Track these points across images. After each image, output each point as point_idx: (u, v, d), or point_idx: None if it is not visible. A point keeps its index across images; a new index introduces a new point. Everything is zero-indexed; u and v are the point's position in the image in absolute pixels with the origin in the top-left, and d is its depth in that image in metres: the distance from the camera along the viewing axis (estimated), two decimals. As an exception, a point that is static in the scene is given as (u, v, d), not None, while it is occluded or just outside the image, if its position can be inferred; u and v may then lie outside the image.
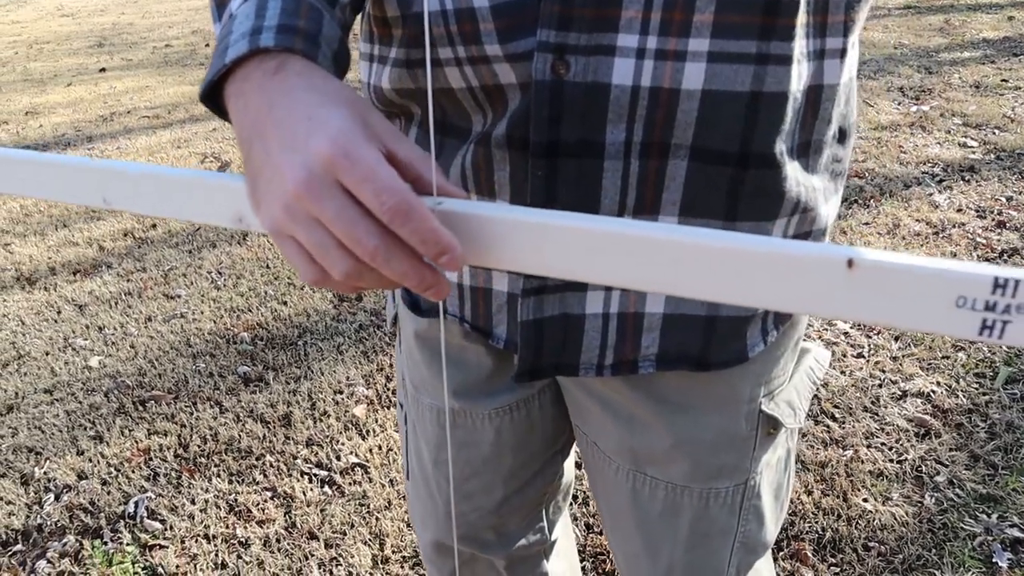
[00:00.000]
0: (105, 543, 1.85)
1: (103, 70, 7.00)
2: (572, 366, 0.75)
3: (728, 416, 0.77)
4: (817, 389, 0.80)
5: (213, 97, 0.53)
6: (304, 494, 1.94)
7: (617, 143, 0.62)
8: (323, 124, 0.44)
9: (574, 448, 1.02)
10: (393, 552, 1.76)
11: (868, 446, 1.96)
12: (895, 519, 1.74)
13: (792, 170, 0.65)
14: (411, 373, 0.92)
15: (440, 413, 0.90)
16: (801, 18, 0.59)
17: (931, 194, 3.25)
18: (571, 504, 1.07)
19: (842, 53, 0.64)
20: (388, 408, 2.23)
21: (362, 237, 0.43)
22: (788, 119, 0.63)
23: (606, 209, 0.65)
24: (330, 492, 1.95)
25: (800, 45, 0.60)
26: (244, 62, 0.50)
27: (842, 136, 0.70)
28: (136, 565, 1.78)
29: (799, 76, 0.61)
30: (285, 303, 2.83)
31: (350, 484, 1.96)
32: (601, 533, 1.78)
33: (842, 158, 0.71)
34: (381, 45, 0.71)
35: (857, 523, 1.74)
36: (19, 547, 1.86)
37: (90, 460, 2.10)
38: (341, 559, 1.75)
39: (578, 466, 1.79)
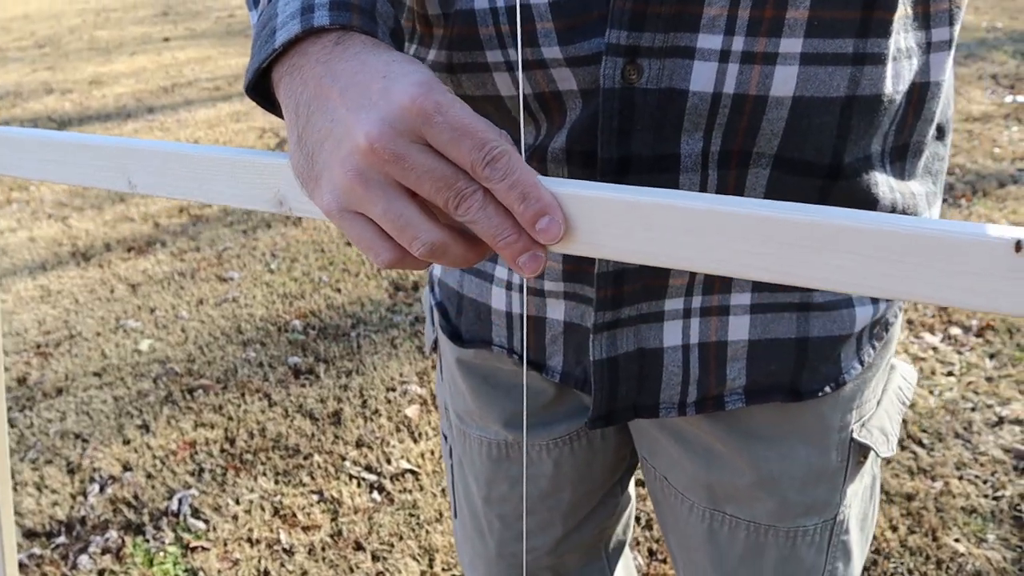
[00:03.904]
0: (147, 540, 1.79)
1: (167, 39, 7.01)
2: (651, 407, 0.69)
3: (818, 448, 0.70)
4: (904, 411, 0.72)
5: (259, 88, 0.49)
6: (352, 499, 1.86)
7: (694, 154, 0.56)
8: (403, 76, 0.41)
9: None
10: (443, 569, 1.67)
11: (960, 478, 1.79)
12: (991, 565, 1.58)
13: (884, 177, 0.60)
14: (455, 403, 0.85)
15: (491, 445, 0.82)
16: (900, 10, 0.53)
17: (1028, 194, 3.02)
18: (631, 530, 0.97)
19: (949, 44, 0.58)
20: (441, 409, 2.13)
21: (464, 187, 0.40)
22: (883, 124, 0.57)
23: None
24: (379, 499, 1.86)
25: (895, 41, 0.54)
26: (296, 44, 0.46)
27: (940, 133, 0.65)
28: (177, 567, 1.72)
29: (895, 76, 0.55)
30: (339, 290, 2.75)
31: (400, 491, 1.87)
32: (665, 561, 1.66)
33: (943, 156, 0.66)
34: (420, 46, 0.64)
35: (948, 567, 1.59)
36: (62, 539, 1.81)
37: (135, 451, 2.05)
38: (388, 574, 1.66)
39: (639, 484, 1.67)
